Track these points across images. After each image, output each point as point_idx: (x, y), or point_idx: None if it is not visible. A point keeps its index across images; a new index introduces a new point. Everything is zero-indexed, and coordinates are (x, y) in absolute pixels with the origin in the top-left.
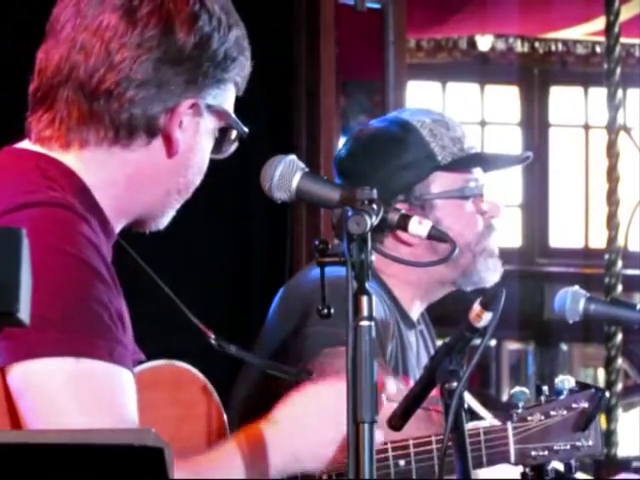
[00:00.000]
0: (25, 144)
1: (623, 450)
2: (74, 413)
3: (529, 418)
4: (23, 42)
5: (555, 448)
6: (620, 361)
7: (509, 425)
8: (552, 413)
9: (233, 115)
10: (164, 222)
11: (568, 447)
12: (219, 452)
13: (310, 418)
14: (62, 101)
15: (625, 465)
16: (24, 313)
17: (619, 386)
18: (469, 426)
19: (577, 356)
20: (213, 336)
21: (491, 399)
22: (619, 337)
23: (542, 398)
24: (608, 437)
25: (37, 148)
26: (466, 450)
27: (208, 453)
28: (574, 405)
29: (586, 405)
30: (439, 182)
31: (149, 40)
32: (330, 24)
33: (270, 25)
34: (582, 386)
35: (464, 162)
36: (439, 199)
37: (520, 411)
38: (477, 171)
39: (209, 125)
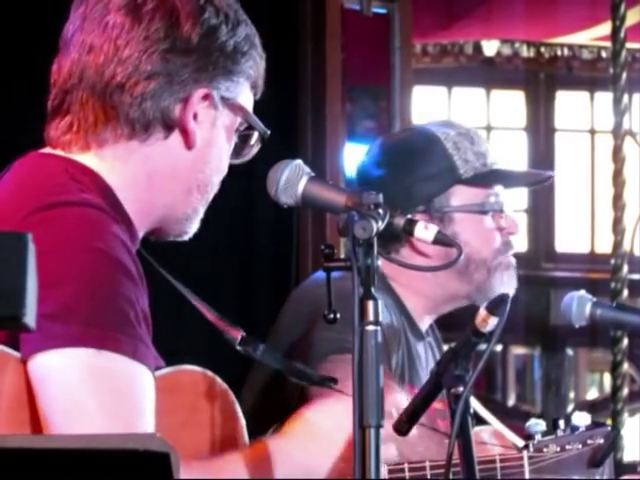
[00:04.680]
0: (48, 150)
1: (629, 455)
2: (92, 406)
3: (545, 449)
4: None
5: None
6: (626, 366)
7: (525, 454)
8: (568, 447)
9: (251, 112)
10: (188, 230)
11: None
12: (222, 459)
13: (323, 434)
14: (77, 104)
15: (631, 470)
16: (30, 317)
17: (625, 391)
18: (486, 453)
19: (583, 361)
20: (242, 334)
21: (497, 404)
22: (625, 342)
23: (558, 432)
24: (613, 442)
25: (59, 152)
26: (472, 457)
27: (210, 460)
28: (589, 441)
29: (602, 441)
30: (459, 195)
31: (155, 33)
32: (336, 29)
33: (276, 30)
34: (597, 423)
35: (486, 177)
36: (458, 212)
37: (536, 442)
38: (498, 187)
39: (226, 120)
